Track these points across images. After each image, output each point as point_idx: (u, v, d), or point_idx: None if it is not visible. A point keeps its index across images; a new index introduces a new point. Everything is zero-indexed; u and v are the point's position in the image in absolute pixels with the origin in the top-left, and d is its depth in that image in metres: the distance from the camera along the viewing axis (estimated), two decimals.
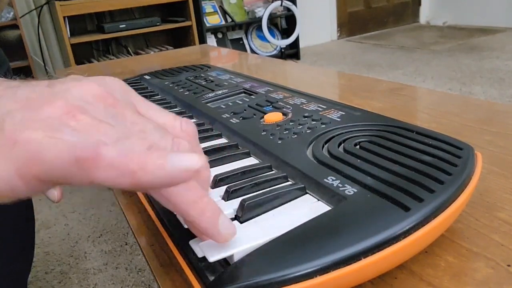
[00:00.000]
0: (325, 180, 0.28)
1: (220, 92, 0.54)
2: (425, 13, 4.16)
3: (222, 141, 0.40)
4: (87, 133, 0.19)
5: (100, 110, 0.21)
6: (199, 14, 2.70)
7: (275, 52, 3.19)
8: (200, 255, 0.24)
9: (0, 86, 0.21)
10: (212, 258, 0.22)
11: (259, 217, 0.26)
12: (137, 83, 0.69)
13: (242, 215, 0.26)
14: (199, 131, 0.42)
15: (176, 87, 0.60)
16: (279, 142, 0.35)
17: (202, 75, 0.67)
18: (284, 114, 0.42)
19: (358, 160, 0.30)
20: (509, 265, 0.24)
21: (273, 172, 0.32)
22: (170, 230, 0.28)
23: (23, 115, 0.19)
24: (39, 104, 0.19)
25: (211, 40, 3.00)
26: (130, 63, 1.10)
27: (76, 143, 0.18)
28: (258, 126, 0.40)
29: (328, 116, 0.40)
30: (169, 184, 0.20)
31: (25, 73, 2.32)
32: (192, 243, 0.25)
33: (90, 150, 0.18)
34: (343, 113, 0.40)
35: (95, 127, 0.19)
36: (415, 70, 2.57)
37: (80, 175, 0.18)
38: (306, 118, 0.40)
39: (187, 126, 0.25)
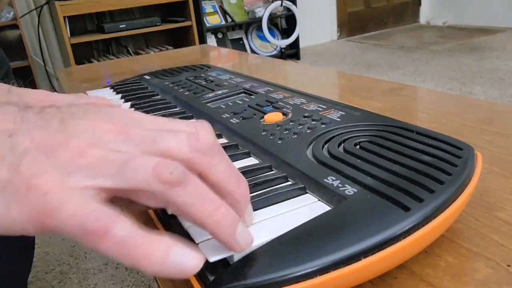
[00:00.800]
0: (325, 180, 0.28)
1: (220, 92, 0.54)
2: (425, 13, 4.16)
3: (222, 141, 0.41)
4: (99, 169, 0.20)
5: (111, 140, 0.21)
6: (199, 14, 2.70)
7: (275, 52, 3.19)
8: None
9: (16, 117, 0.21)
10: (212, 258, 0.22)
11: (259, 217, 0.26)
12: (137, 83, 0.69)
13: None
14: None
15: (176, 87, 0.60)
16: (279, 142, 0.35)
17: (202, 75, 0.67)
18: (284, 114, 0.42)
19: (358, 160, 0.30)
20: (509, 265, 0.24)
21: (273, 172, 0.32)
22: (170, 231, 0.28)
23: (40, 155, 0.20)
24: (56, 144, 0.20)
25: (211, 40, 3.00)
26: (130, 63, 1.10)
27: (88, 214, 0.19)
28: (258, 126, 0.40)
29: (328, 116, 0.40)
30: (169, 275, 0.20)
31: (25, 73, 2.32)
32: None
33: (101, 224, 0.19)
34: (343, 113, 0.40)
35: (105, 159, 0.20)
36: (415, 70, 2.57)
37: (87, 242, 0.19)
38: (306, 118, 0.40)
39: (203, 142, 0.23)
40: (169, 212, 0.23)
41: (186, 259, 0.20)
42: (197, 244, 0.24)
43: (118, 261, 0.19)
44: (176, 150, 0.22)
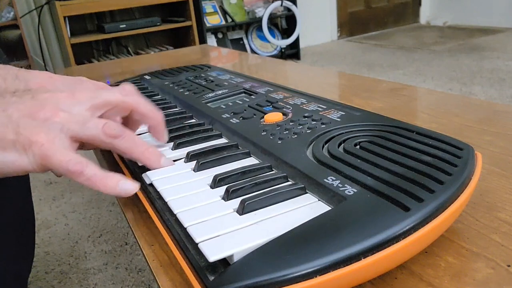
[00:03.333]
0: (325, 180, 0.28)
1: (220, 92, 0.54)
2: (426, 13, 4.16)
3: (222, 141, 0.41)
4: (68, 126, 0.31)
5: (77, 108, 0.33)
6: (199, 14, 2.70)
7: (275, 52, 3.19)
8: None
9: (3, 100, 0.32)
10: (212, 258, 0.22)
11: (259, 217, 0.26)
12: (137, 83, 0.69)
13: (242, 215, 0.26)
14: (200, 131, 0.42)
15: (176, 87, 0.60)
16: (279, 142, 0.35)
17: (202, 75, 0.67)
18: (284, 114, 0.42)
19: (358, 160, 0.30)
20: (509, 266, 0.24)
21: (273, 172, 0.32)
22: (170, 230, 0.28)
23: (29, 121, 0.30)
24: (36, 110, 0.31)
25: (211, 40, 3.00)
26: (130, 63, 1.10)
27: (69, 161, 0.30)
28: (258, 126, 0.40)
29: (328, 116, 0.40)
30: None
31: None
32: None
33: (78, 167, 0.30)
34: (343, 113, 0.40)
35: (70, 121, 0.32)
36: (415, 70, 2.57)
37: (70, 177, 0.30)
38: (306, 118, 0.40)
39: (128, 90, 0.37)
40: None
41: (127, 186, 0.31)
42: (197, 243, 0.24)
43: (89, 187, 0.31)
44: (114, 98, 0.35)
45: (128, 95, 0.36)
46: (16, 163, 0.30)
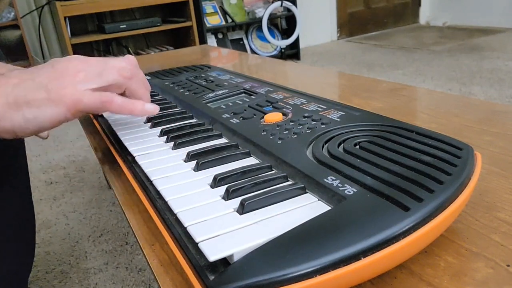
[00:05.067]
0: (325, 180, 0.28)
1: (220, 92, 0.54)
2: (425, 14, 4.16)
3: (222, 141, 0.41)
4: (89, 79, 0.39)
5: (90, 68, 0.40)
6: (200, 14, 2.70)
7: (275, 52, 3.19)
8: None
9: (27, 71, 0.38)
10: (212, 258, 0.22)
11: (259, 216, 0.26)
12: None
13: (242, 215, 0.26)
14: (200, 131, 0.43)
15: (176, 87, 0.61)
16: (279, 142, 0.35)
17: (203, 75, 0.67)
18: (284, 114, 0.42)
19: (358, 160, 0.30)
20: (508, 265, 0.24)
21: (273, 172, 0.32)
22: (171, 230, 0.28)
23: (56, 82, 0.37)
24: (59, 75, 0.38)
25: (212, 41, 3.00)
26: None
27: (99, 95, 0.38)
28: (258, 126, 0.40)
29: (328, 116, 0.40)
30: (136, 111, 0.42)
31: None
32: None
33: (108, 97, 0.39)
34: (343, 113, 0.40)
35: (89, 77, 0.39)
36: (415, 71, 2.57)
37: (103, 108, 0.39)
38: (306, 118, 0.40)
39: (131, 60, 0.44)
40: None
41: (151, 106, 0.43)
42: (197, 243, 0.24)
43: (120, 113, 0.41)
44: (120, 65, 0.41)
45: (132, 65, 0.43)
46: (52, 116, 0.36)
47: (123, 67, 0.41)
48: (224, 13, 3.00)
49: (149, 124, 0.48)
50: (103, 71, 0.40)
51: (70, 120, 0.38)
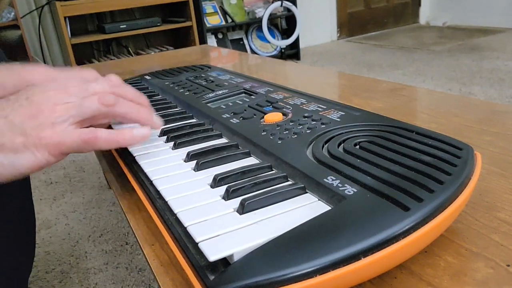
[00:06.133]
0: (325, 180, 0.28)
1: (220, 92, 0.54)
2: (425, 14, 4.16)
3: (222, 141, 0.41)
4: (67, 114, 0.34)
5: (69, 99, 0.35)
6: (200, 14, 2.70)
7: (275, 52, 3.19)
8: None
9: (2, 105, 0.34)
10: (212, 257, 0.22)
11: (259, 216, 0.26)
12: (137, 83, 0.69)
13: (242, 215, 0.26)
14: (200, 131, 0.43)
15: (176, 87, 0.61)
16: (279, 142, 0.35)
17: (203, 75, 0.67)
18: (284, 114, 0.42)
19: (358, 160, 0.30)
20: (508, 265, 0.25)
21: (273, 172, 0.32)
22: (171, 230, 0.28)
23: (33, 121, 0.33)
24: (35, 112, 0.33)
25: (212, 41, 3.00)
26: (130, 63, 1.10)
27: (80, 134, 0.34)
28: (258, 126, 0.40)
29: (328, 116, 0.40)
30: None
31: None
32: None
33: (91, 134, 0.34)
34: (343, 113, 0.40)
35: (68, 111, 0.34)
36: (415, 71, 2.57)
37: (87, 147, 0.34)
38: (306, 118, 0.40)
39: (114, 81, 0.40)
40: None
41: (142, 131, 0.38)
42: (197, 243, 0.24)
43: (108, 148, 0.36)
44: (101, 89, 0.37)
45: (115, 86, 0.39)
46: (32, 162, 0.33)
47: (104, 94, 0.36)
48: (224, 13, 3.00)
49: None
50: (83, 100, 0.35)
51: (53, 163, 0.34)
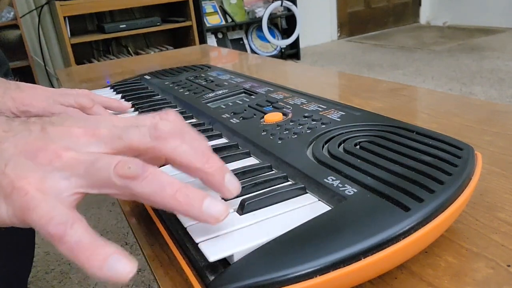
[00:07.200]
0: (325, 180, 0.28)
1: (220, 92, 0.54)
2: (425, 13, 4.16)
3: (222, 141, 0.41)
4: (71, 170, 0.23)
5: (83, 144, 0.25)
6: (199, 14, 2.70)
7: (275, 52, 3.19)
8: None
9: (4, 127, 0.24)
10: (212, 258, 0.22)
11: (259, 217, 0.26)
12: (137, 83, 0.69)
13: (242, 215, 0.26)
14: (200, 131, 0.42)
15: (176, 87, 0.60)
16: (279, 142, 0.35)
17: (202, 75, 0.67)
18: (284, 114, 0.42)
19: (358, 160, 0.30)
20: (509, 266, 0.24)
21: (273, 172, 0.32)
22: (170, 230, 0.28)
23: (21, 161, 0.23)
24: (36, 149, 0.23)
25: (211, 40, 3.00)
26: (130, 63, 1.10)
27: (51, 219, 0.21)
28: (258, 126, 0.40)
29: (328, 116, 0.40)
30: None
31: (26, 73, 2.32)
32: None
33: (59, 230, 0.21)
34: (343, 113, 0.40)
35: (75, 158, 0.24)
36: (415, 70, 2.57)
37: (50, 241, 0.22)
38: (306, 118, 0.40)
39: (163, 127, 0.26)
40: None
41: (119, 266, 0.21)
42: (197, 244, 0.24)
43: (70, 260, 0.22)
44: (138, 141, 0.25)
45: (161, 138, 0.25)
46: None
47: (128, 159, 0.23)
48: (224, 12, 3.00)
49: None
50: (99, 158, 0.24)
51: (16, 226, 0.24)
